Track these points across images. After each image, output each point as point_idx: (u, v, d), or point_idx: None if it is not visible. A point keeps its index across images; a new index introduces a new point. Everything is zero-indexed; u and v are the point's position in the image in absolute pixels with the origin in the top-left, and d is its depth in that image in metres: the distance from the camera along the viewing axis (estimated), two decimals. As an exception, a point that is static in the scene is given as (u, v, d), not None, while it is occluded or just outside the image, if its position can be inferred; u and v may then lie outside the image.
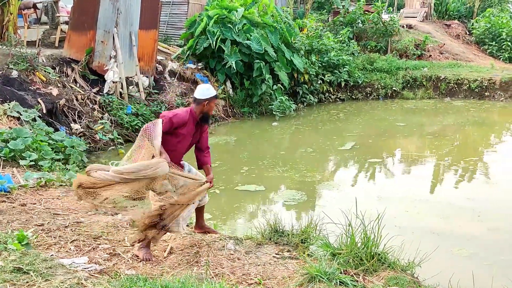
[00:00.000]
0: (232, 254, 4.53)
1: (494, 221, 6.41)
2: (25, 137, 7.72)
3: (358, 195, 7.49)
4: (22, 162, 7.16)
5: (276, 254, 4.54)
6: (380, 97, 17.41)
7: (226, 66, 13.66)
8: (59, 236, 4.83)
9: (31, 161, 7.33)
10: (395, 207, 6.98)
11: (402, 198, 7.44)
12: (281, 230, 4.94)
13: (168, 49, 15.35)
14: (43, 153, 7.82)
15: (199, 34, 14.17)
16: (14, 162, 7.35)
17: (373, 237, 4.25)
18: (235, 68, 13.48)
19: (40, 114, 9.86)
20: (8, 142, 7.45)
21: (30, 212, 5.47)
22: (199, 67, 14.34)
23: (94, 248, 4.61)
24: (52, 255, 4.39)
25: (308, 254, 4.43)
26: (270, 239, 4.83)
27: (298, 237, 4.74)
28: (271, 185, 8.05)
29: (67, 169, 8.25)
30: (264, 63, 13.93)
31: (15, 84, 10.46)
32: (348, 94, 17.40)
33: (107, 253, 4.49)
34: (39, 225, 5.09)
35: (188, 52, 14.47)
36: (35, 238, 4.61)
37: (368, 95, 17.51)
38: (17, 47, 11.13)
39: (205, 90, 4.64)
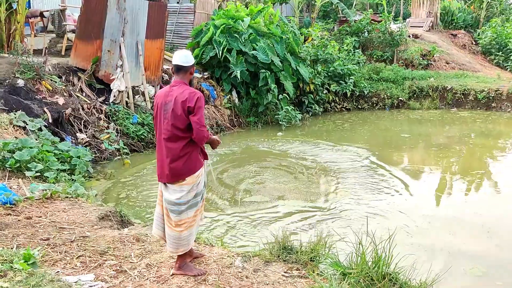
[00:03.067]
0: (240, 272, 4.46)
1: (503, 237, 6.32)
2: (31, 148, 7.69)
3: (365, 209, 7.49)
4: (27, 173, 7.13)
5: (285, 272, 4.46)
6: (386, 107, 17.35)
7: (232, 76, 13.64)
8: (65, 252, 4.77)
9: (36, 172, 7.29)
10: (403, 222, 6.90)
11: (409, 212, 7.35)
12: (289, 247, 4.87)
13: (174, 58, 15.32)
14: (48, 164, 7.78)
15: (205, 44, 14.17)
16: (19, 173, 7.32)
17: (384, 256, 4.16)
18: (240, 77, 13.44)
19: (46, 124, 9.85)
20: (14, 153, 7.42)
21: (36, 226, 5.42)
22: (205, 77, 14.33)
23: (100, 265, 4.55)
24: (58, 271, 4.34)
25: (317, 273, 4.35)
26: (279, 256, 4.75)
27: (307, 255, 4.66)
28: (277, 197, 7.97)
29: (73, 180, 8.22)
30: (269, 73, 13.89)
31: (21, 93, 10.46)
32: (354, 104, 17.35)
33: (113, 270, 4.43)
34: (45, 240, 5.04)
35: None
36: (41, 254, 4.55)
37: (374, 105, 17.45)
38: (24, 56, 11.13)
39: (187, 56, 4.24)
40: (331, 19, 26.03)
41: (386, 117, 16.12)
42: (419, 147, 11.95)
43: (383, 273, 4.13)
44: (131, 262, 4.64)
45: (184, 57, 4.28)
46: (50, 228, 5.41)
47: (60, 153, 8.78)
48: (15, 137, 8.65)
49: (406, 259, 4.31)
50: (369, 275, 4.13)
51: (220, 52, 13.57)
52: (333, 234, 4.89)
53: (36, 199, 6.31)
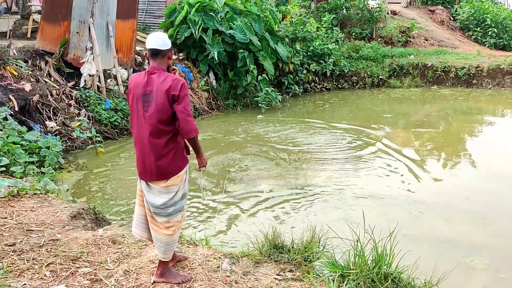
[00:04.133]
0: (229, 276, 4.07)
1: (499, 224, 6.07)
2: (-5, 140, 7.11)
3: (353, 195, 7.17)
4: (-9, 169, 6.56)
5: (277, 275, 4.09)
6: (366, 86, 17.05)
7: (209, 57, 13.08)
8: (33, 259, 4.31)
9: (1, 166, 6.72)
10: (395, 210, 6.62)
11: (398, 198, 7.06)
12: (280, 245, 4.49)
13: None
14: (15, 157, 7.21)
15: (179, 23, 13.54)
16: (-17, 168, 6.74)
17: (385, 254, 3.83)
18: (217, 58, 12.90)
19: (12, 112, 9.21)
20: (-24, 146, 6.85)
21: (0, 229, 4.92)
22: (180, 58, 13.73)
23: (73, 273, 4.11)
24: (24, 284, 3.89)
25: (313, 275, 3.99)
26: (270, 256, 4.37)
27: (301, 254, 4.29)
28: (263, 186, 7.58)
29: (42, 172, 7.68)
30: (248, 53, 13.38)
31: (-17, 80, 9.76)
32: (334, 83, 16.99)
33: (87, 279, 4.00)
34: (10, 245, 4.56)
35: (168, 42, 13.80)
36: (6, 263, 4.08)
37: (355, 84, 17.13)
38: (-15, 39, 10.39)
39: (163, 38, 3.76)
40: (308, -4, 25.46)
41: (367, 96, 15.83)
42: (401, 127, 11.66)
43: (385, 273, 3.80)
44: (107, 269, 4.20)
45: (160, 40, 3.79)
46: (16, 231, 4.91)
47: (27, 144, 8.19)
48: (-22, 128, 8.04)
49: (406, 254, 3.99)
50: (370, 276, 3.79)
51: (196, 32, 12.97)
52: (327, 230, 4.50)
53: (1, 197, 5.79)
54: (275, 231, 4.58)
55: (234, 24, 13.45)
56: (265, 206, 6.81)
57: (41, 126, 9.81)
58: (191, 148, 3.99)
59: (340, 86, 16.94)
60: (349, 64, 17.06)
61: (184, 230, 5.37)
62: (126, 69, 12.37)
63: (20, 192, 5.94)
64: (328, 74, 16.62)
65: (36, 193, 6.09)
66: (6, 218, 5.22)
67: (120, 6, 12.00)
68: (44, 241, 4.67)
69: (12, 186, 6.06)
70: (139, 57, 13.16)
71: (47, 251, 4.47)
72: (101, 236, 4.86)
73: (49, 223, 5.18)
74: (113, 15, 11.88)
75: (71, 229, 5.07)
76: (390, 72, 17.28)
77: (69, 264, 4.24)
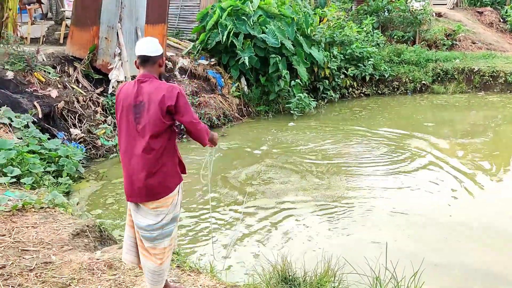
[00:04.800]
0: (228, 315, 3.58)
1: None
2: (9, 149, 6.88)
3: (384, 212, 6.53)
4: (1, 180, 6.32)
5: (283, 315, 3.57)
6: (408, 91, 16.18)
7: (240, 62, 12.65)
8: (19, 285, 3.96)
9: (12, 177, 6.48)
10: (430, 232, 5.94)
11: (436, 218, 6.38)
12: (291, 278, 3.97)
13: (180, 44, 14.42)
14: (29, 167, 6.97)
15: (211, 28, 13.19)
16: (-5, 179, 6.52)
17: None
18: (248, 64, 12.45)
19: (35, 119, 9.07)
20: (-11, 156, 6.65)
21: (-5, 248, 4.62)
22: (212, 63, 13.37)
23: (57, 305, 3.72)
24: (2, 316, 3.54)
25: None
26: (277, 291, 3.86)
27: (312, 290, 3.76)
28: (285, 201, 7.04)
29: (58, 182, 7.44)
30: (280, 58, 12.86)
31: (10, 86, 9.67)
32: (374, 88, 16.20)
33: (71, 312, 3.60)
34: (0, 268, 4.23)
35: (199, 47, 13.50)
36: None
37: (395, 89, 16.28)
38: (14, 45, 10.32)
39: (154, 44, 3.48)
40: (349, -1, 24.70)
41: (408, 102, 14.98)
42: (445, 136, 10.79)
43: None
44: (96, 300, 3.80)
45: (150, 45, 3.46)
46: (11, 250, 4.59)
47: (46, 153, 7.99)
48: (-2, 136, 7.89)
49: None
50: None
51: (225, 37, 12.56)
52: (343, 264, 3.94)
53: (6, 211, 5.52)
54: (285, 261, 4.06)
55: (266, 28, 12.98)
56: (283, 225, 6.27)
57: (66, 133, 9.64)
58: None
59: (380, 92, 16.14)
60: (389, 69, 16.24)
61: (190, 255, 4.91)
62: (155, 75, 12.10)
63: (25, 206, 5.66)
64: (367, 78, 15.86)
65: (43, 207, 5.81)
66: (4, 235, 4.92)
67: (150, 11, 11.75)
68: (36, 264, 4.33)
69: (18, 200, 5.81)
70: (170, 63, 12.89)
71: (36, 276, 4.12)
72: (97, 259, 4.47)
73: (47, 242, 4.84)
74: (142, 20, 11.64)
75: (69, 250, 4.72)
76: (433, 77, 16.34)
77: (56, 293, 3.87)
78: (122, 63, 10.97)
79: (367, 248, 5.37)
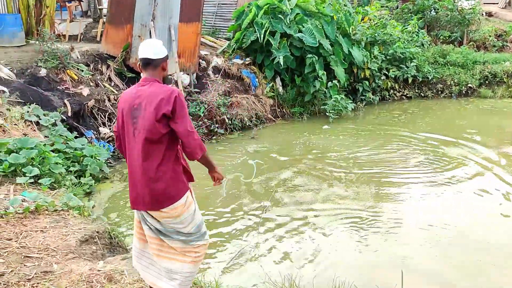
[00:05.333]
0: None
1: None
2: (31, 148, 6.83)
3: (415, 227, 6.06)
4: (19, 180, 6.26)
5: None
6: (453, 95, 15.35)
7: (275, 61, 12.31)
8: (13, 296, 3.80)
9: (31, 177, 6.41)
10: (460, 252, 5.45)
11: (468, 236, 5.86)
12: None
13: (215, 42, 14.22)
14: (50, 167, 6.90)
15: (246, 26, 12.91)
16: (15, 179, 6.47)
17: None
18: (283, 63, 12.09)
19: (64, 117, 9.06)
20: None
21: (-1, 253, 4.50)
22: (246, 63, 13.09)
23: (47, 320, 3.53)
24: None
25: None
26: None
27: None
28: (307, 211, 6.66)
29: (80, 182, 7.36)
30: (317, 58, 12.43)
31: (42, 83, 9.73)
32: (416, 91, 15.46)
33: (59, 330, 3.39)
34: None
35: (234, 46, 13.25)
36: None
37: (440, 92, 15.48)
38: (48, 42, 10.38)
39: (157, 46, 3.37)
40: (394, -4, 23.83)
41: (451, 106, 14.20)
42: (490, 144, 10.02)
43: None
44: (87, 317, 3.59)
45: (152, 48, 3.30)
46: (14, 257, 4.47)
47: (71, 152, 7.93)
48: (24, 134, 7.89)
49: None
50: None
51: (262, 36, 12.25)
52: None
53: (19, 213, 5.43)
54: (292, 283, 3.72)
55: (303, 27, 12.57)
56: (300, 238, 5.88)
57: (94, 132, 9.61)
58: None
59: (422, 95, 15.39)
60: (434, 70, 15.46)
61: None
62: (188, 74, 11.95)
63: (38, 208, 5.56)
64: (410, 80, 15.16)
65: (57, 210, 5.70)
66: (11, 239, 4.82)
67: (184, 9, 11.59)
68: (35, 273, 4.17)
69: (34, 201, 5.72)
70: (204, 62, 12.71)
71: (32, 286, 3.95)
72: (98, 271, 4.27)
73: (52, 248, 4.70)
74: (176, 18, 11.50)
75: (73, 258, 4.55)
76: (480, 80, 15.42)
77: (48, 307, 3.68)
78: (154, 61, 10.84)
79: (389, 267, 4.94)
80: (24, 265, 4.31)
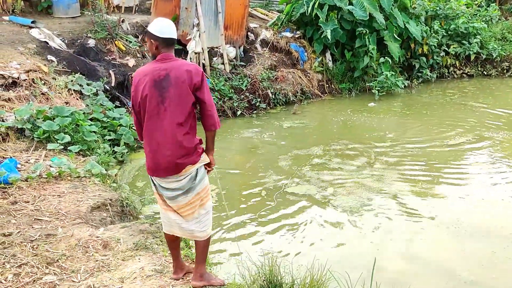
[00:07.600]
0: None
1: None
2: (65, 117, 7.14)
3: (433, 218, 5.75)
4: (50, 146, 6.59)
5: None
6: (520, 74, 14.28)
7: (323, 35, 11.98)
8: (12, 255, 4.04)
9: (62, 144, 6.72)
10: (477, 244, 5.11)
11: (494, 231, 5.48)
12: (276, 284, 3.59)
13: (267, 15, 14.04)
14: (83, 134, 7.19)
15: (296, -1, 12.62)
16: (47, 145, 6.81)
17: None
18: (331, 37, 11.73)
19: (108, 87, 9.38)
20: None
21: (13, 214, 4.81)
22: (296, 36, 12.83)
23: (35, 280, 3.74)
24: (-22, 286, 3.61)
25: None
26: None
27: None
28: (325, 192, 6.49)
29: (114, 151, 7.63)
30: (368, 32, 11.95)
31: (90, 54, 10.09)
32: (479, 69, 14.50)
33: (44, 291, 3.58)
34: (6, 235, 4.37)
35: (284, 19, 13.02)
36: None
37: (505, 71, 14.44)
38: (98, 14, 10.71)
39: (171, 25, 3.53)
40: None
41: (513, 87, 13.20)
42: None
43: None
44: (72, 281, 3.75)
45: (173, 27, 3.53)
46: (25, 218, 4.75)
47: (108, 121, 8.22)
48: (66, 103, 8.26)
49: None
50: None
51: (310, 8, 11.92)
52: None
53: (43, 177, 5.73)
54: (273, 263, 3.68)
55: (355, -1, 12.09)
56: (309, 220, 5.75)
57: (136, 102, 9.86)
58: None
59: (485, 73, 14.43)
60: (500, 48, 14.40)
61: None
62: (235, 47, 11.91)
63: (61, 174, 5.83)
64: (472, 58, 14.24)
65: (79, 176, 5.95)
66: (28, 202, 5.12)
67: (232, -20, 11.50)
68: (39, 235, 4.41)
69: (59, 167, 6.01)
70: (252, 35, 12.62)
71: (32, 248, 4.19)
72: (97, 237, 4.44)
73: (63, 213, 4.94)
74: (223, -10, 11.44)
75: (79, 224, 4.75)
76: (554, 60, 14.21)
77: (40, 269, 3.88)
78: (199, 33, 10.91)
79: (400, 259, 4.75)
80: (32, 227, 4.57)
